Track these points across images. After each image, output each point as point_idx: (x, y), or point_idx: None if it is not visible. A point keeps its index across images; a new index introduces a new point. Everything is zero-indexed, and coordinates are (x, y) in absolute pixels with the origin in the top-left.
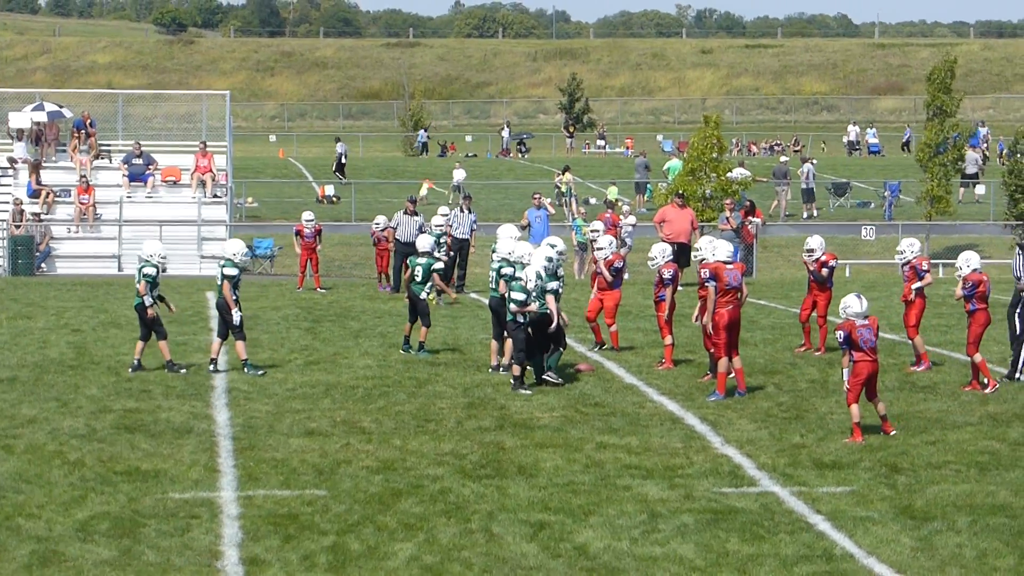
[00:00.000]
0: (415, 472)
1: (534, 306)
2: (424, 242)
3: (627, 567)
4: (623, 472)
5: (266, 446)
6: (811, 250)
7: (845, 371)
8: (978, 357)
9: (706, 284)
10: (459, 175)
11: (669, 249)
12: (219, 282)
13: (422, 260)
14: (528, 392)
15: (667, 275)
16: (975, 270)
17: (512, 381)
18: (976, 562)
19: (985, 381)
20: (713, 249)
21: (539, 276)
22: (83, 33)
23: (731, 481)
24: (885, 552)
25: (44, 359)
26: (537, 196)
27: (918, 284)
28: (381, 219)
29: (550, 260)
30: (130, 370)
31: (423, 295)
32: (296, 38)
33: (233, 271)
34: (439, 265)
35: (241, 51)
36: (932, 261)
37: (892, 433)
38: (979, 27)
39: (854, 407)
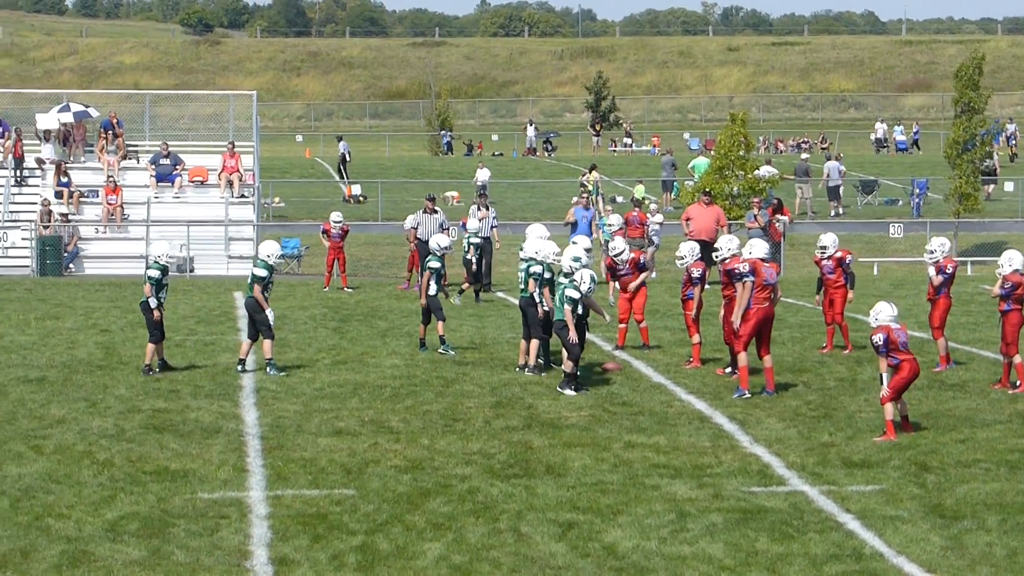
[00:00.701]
0: (443, 472)
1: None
2: (434, 242)
3: (656, 566)
4: (651, 471)
5: (294, 446)
6: (824, 247)
7: (884, 375)
8: (1018, 358)
9: (744, 279)
10: (483, 175)
11: (698, 247)
12: (249, 282)
13: (429, 259)
14: (573, 394)
15: (696, 274)
16: (1016, 271)
17: (563, 378)
18: (1006, 561)
19: (1017, 382)
20: (750, 248)
21: (593, 278)
22: (110, 34)
23: (760, 480)
24: (915, 551)
25: (73, 359)
26: (586, 196)
27: (936, 281)
28: (412, 219)
29: (577, 259)
30: (147, 371)
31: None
32: (322, 38)
33: (263, 272)
34: (434, 264)
35: (267, 51)
36: (960, 259)
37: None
38: (1007, 23)
39: (889, 406)
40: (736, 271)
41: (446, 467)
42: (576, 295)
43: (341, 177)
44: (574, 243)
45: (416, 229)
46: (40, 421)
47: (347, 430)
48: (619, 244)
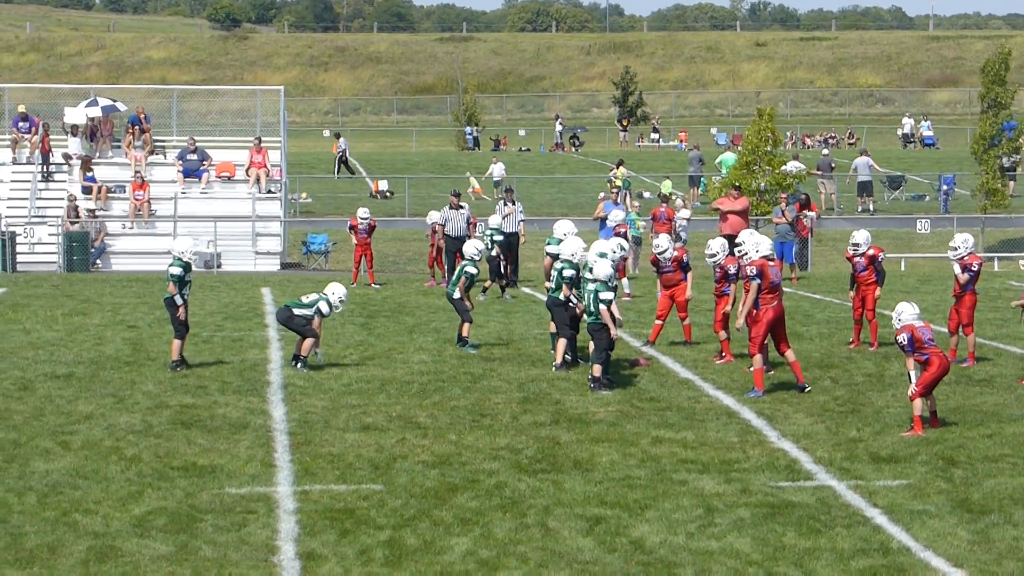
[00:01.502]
0: (471, 467)
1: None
2: (470, 247)
3: (683, 561)
4: (679, 467)
5: (322, 441)
6: (856, 244)
7: (912, 374)
8: None
9: (751, 280)
10: (498, 169)
11: (727, 243)
12: (166, 280)
13: (465, 264)
14: (608, 393)
15: (732, 269)
16: None
17: (591, 382)
18: None
19: None
20: (756, 246)
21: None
22: (137, 29)
23: (788, 475)
24: (942, 545)
25: (100, 355)
26: (615, 191)
27: (963, 279)
28: (435, 214)
29: (603, 255)
30: (174, 367)
31: (455, 295)
32: (350, 33)
33: (178, 270)
34: (471, 269)
35: (295, 46)
36: (987, 254)
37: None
38: None
39: (918, 401)
40: (744, 272)
41: (473, 462)
42: (610, 296)
43: (339, 173)
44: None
45: (444, 225)
46: (68, 417)
47: (375, 426)
48: (663, 242)
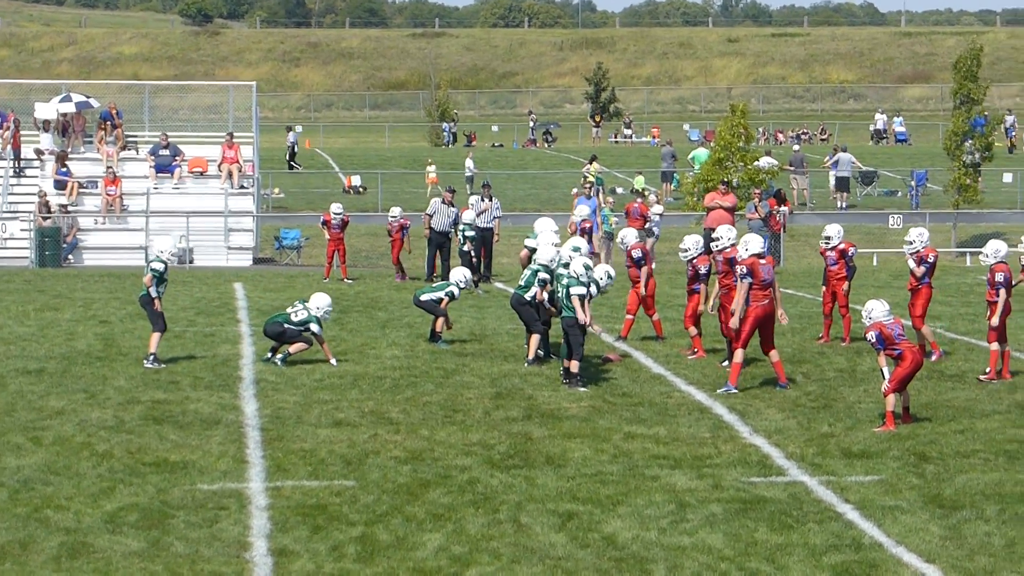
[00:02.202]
0: (443, 462)
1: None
2: (459, 275)
3: (655, 557)
4: (651, 462)
5: (294, 437)
6: (828, 237)
7: (885, 370)
8: (1005, 346)
9: (742, 279)
10: (468, 164)
11: (702, 241)
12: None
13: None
14: (584, 390)
15: (703, 269)
16: (1001, 260)
17: (565, 378)
18: (1005, 551)
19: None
20: (746, 244)
21: (609, 274)
22: (109, 24)
23: (759, 471)
24: (914, 541)
25: (72, 351)
26: (588, 186)
27: (919, 272)
28: (396, 210)
29: (577, 249)
30: (152, 361)
31: (421, 297)
32: (322, 28)
33: (160, 266)
34: (455, 292)
35: (267, 42)
36: (959, 249)
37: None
38: (1006, 15)
39: (892, 396)
40: (734, 270)
41: (446, 458)
42: (582, 291)
43: (291, 169)
44: (575, 248)
45: (432, 216)
46: (39, 412)
47: (347, 421)
48: (629, 236)
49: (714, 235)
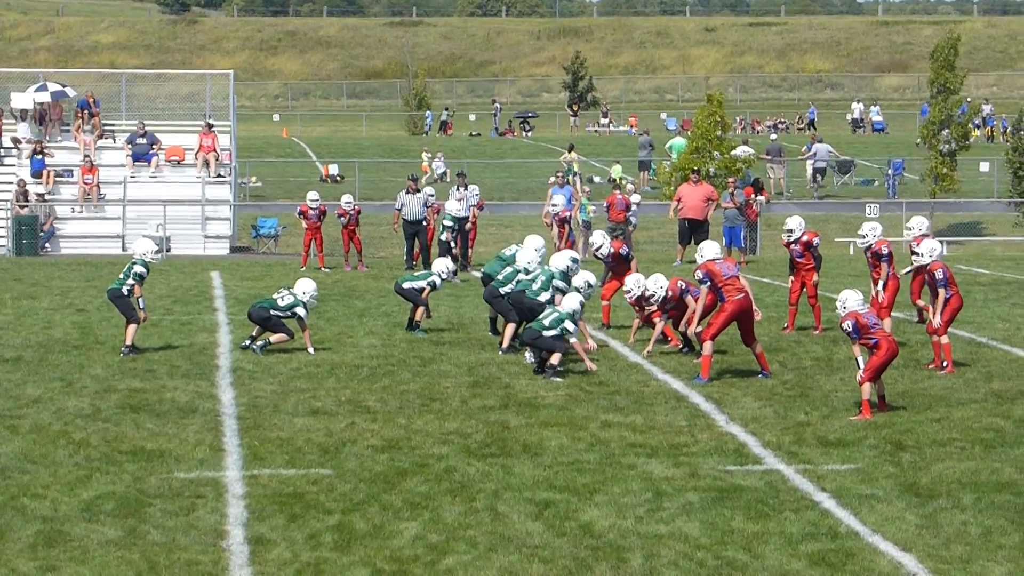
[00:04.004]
0: (420, 451)
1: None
2: (441, 265)
3: (632, 545)
4: (628, 451)
5: (271, 425)
6: (790, 231)
7: (860, 359)
8: (945, 339)
9: (701, 284)
10: (439, 164)
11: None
12: (123, 277)
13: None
14: (560, 380)
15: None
16: (940, 256)
17: (547, 369)
18: (981, 539)
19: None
20: (700, 251)
21: (589, 283)
22: (86, 13)
23: (736, 459)
24: (890, 529)
25: (49, 339)
26: (560, 174)
27: (883, 269)
28: (348, 197)
29: (575, 261)
30: (128, 351)
31: (404, 284)
32: (299, 17)
33: (143, 269)
34: (437, 281)
35: (244, 30)
36: (937, 238)
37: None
38: (983, 4)
39: (867, 385)
40: (697, 277)
41: (423, 447)
42: (572, 328)
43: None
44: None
45: (401, 210)
46: (15, 401)
47: (324, 410)
48: (597, 239)
49: (647, 295)
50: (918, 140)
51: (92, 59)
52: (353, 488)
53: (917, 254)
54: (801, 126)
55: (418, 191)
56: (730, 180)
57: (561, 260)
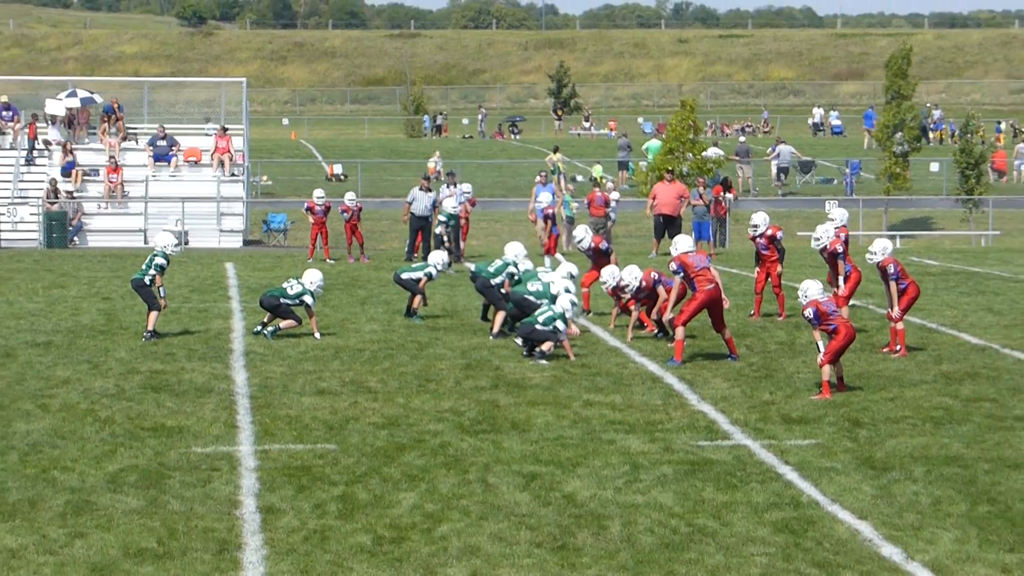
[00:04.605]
0: (417, 428)
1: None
2: (437, 258)
3: (611, 514)
4: (608, 427)
5: (281, 404)
6: (755, 226)
7: (820, 343)
8: (900, 325)
9: (675, 275)
10: (433, 162)
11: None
12: (145, 268)
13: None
14: (546, 363)
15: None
16: (889, 254)
17: (537, 353)
18: (931, 508)
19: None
20: (674, 245)
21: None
22: (111, 26)
23: (707, 435)
24: (848, 499)
25: (77, 325)
26: (544, 173)
27: (842, 267)
28: (351, 195)
29: (572, 277)
30: (149, 337)
31: (402, 275)
32: (307, 30)
33: (163, 260)
34: (434, 272)
35: (256, 42)
36: (889, 233)
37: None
38: (933, 18)
39: (827, 367)
40: (671, 269)
41: (420, 424)
42: (564, 327)
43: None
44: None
45: (411, 203)
46: (47, 381)
47: (329, 390)
48: (579, 232)
49: (621, 285)
50: (866, 144)
51: (117, 68)
52: (356, 462)
53: (818, 241)
54: (766, 129)
55: (430, 190)
56: (699, 180)
57: (563, 296)
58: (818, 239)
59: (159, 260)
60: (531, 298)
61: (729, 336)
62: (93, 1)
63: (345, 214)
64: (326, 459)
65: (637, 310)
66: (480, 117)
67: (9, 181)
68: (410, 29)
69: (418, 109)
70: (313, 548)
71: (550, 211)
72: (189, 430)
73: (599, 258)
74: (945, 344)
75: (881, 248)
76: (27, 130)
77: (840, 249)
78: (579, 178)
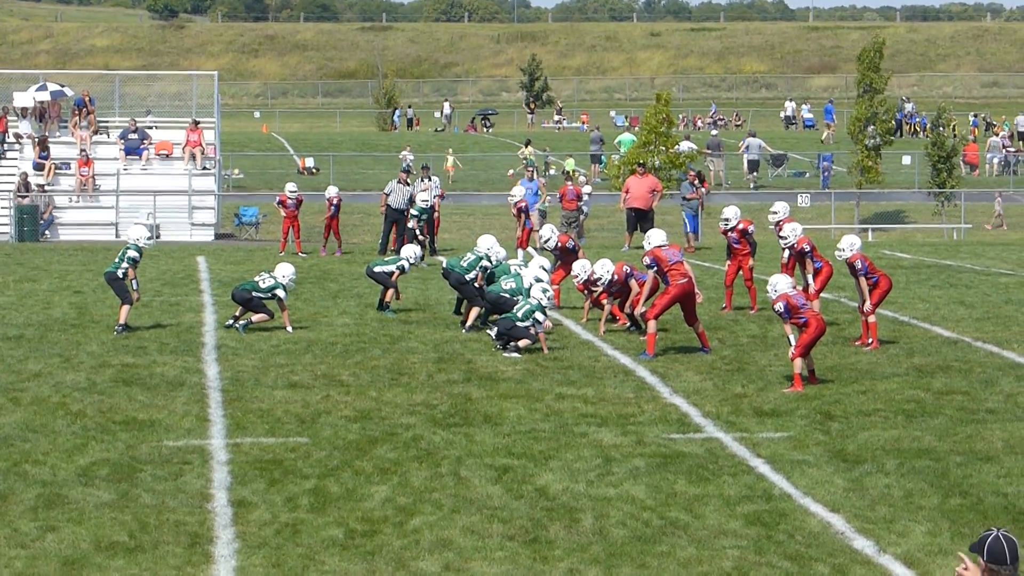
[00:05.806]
0: (389, 421)
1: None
2: (410, 251)
3: (584, 507)
4: (580, 420)
5: (253, 397)
6: (727, 219)
7: (791, 337)
8: (872, 318)
9: (648, 269)
10: (405, 154)
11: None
12: (118, 262)
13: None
14: (518, 356)
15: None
16: (857, 251)
17: (512, 348)
18: (903, 501)
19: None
20: (648, 239)
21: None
22: (82, 19)
23: (679, 428)
24: (820, 492)
25: (48, 318)
26: (531, 169)
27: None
28: (332, 189)
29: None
30: (120, 330)
31: (375, 268)
32: (278, 22)
33: (136, 253)
34: (407, 266)
35: (228, 35)
36: (861, 225)
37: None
38: (905, 11)
39: (798, 360)
40: (645, 263)
41: (392, 417)
42: (543, 319)
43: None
44: (543, 267)
45: (389, 195)
46: (18, 375)
47: (301, 383)
48: (546, 232)
49: (593, 278)
50: (824, 137)
51: (88, 61)
52: (328, 455)
53: (783, 237)
54: (739, 123)
55: (408, 183)
56: (691, 173)
57: (535, 286)
58: (785, 237)
59: (132, 253)
60: (506, 295)
61: (701, 329)
62: None
63: (333, 208)
64: (298, 452)
65: (609, 303)
66: (446, 113)
67: None
68: (382, 22)
69: (390, 102)
70: (285, 541)
71: (522, 204)
72: (161, 423)
73: (567, 256)
74: (917, 337)
75: (849, 244)
76: None
77: (807, 248)
78: (551, 171)
